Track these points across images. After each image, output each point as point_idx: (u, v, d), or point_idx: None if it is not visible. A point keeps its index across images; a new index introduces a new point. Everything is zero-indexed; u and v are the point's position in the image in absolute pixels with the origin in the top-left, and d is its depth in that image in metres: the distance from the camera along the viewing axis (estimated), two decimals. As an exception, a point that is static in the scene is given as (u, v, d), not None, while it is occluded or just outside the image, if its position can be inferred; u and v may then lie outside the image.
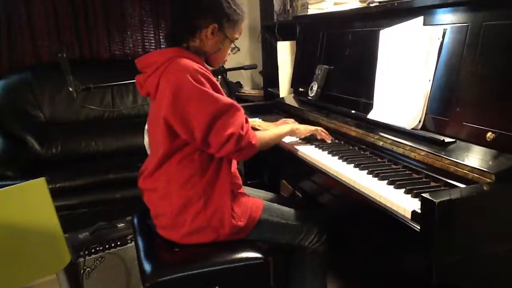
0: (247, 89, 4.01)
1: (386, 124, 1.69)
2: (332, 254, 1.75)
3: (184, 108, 1.46)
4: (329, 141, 1.90)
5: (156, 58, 1.53)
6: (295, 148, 1.87)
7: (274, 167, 2.83)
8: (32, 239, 1.53)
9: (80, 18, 3.58)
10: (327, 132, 1.93)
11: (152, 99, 1.58)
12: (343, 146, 1.85)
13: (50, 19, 3.48)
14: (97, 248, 2.23)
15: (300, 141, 1.96)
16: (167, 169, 1.57)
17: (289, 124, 1.93)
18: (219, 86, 1.54)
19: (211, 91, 1.47)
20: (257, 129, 2.03)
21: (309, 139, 1.94)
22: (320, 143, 1.88)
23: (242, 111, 1.55)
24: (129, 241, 2.29)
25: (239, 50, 1.72)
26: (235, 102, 1.53)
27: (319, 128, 1.93)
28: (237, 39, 1.67)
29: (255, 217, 1.63)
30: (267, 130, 1.80)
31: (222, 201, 1.56)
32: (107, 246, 2.25)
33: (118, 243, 2.28)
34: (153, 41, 3.88)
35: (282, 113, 2.46)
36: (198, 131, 1.47)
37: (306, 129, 1.91)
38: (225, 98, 1.50)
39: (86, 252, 2.20)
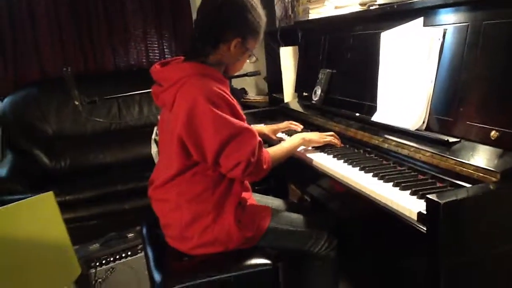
0: (252, 95, 4.02)
1: (390, 126, 1.69)
2: (342, 258, 1.75)
3: (198, 130, 1.45)
4: (341, 145, 1.89)
5: (174, 73, 1.52)
6: (301, 153, 1.87)
7: (281, 172, 2.84)
8: (42, 253, 1.55)
9: (83, 32, 3.63)
10: (338, 138, 1.92)
11: (167, 110, 1.56)
12: (348, 150, 1.85)
13: (54, 35, 3.54)
14: (108, 259, 2.25)
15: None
16: (180, 182, 1.57)
17: (300, 135, 1.87)
18: (236, 105, 1.52)
19: (225, 115, 1.45)
20: (265, 135, 2.04)
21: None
22: (325, 147, 1.88)
23: (256, 136, 1.53)
24: (139, 251, 2.31)
25: (257, 59, 1.70)
26: (249, 127, 1.52)
27: (331, 136, 1.89)
28: (255, 48, 1.66)
29: (264, 226, 1.63)
30: (278, 146, 1.76)
31: (230, 216, 1.57)
32: (117, 257, 2.27)
33: (129, 253, 2.30)
34: (157, 51, 3.92)
35: (287, 118, 2.46)
36: (209, 154, 1.47)
37: (319, 139, 1.87)
38: (239, 122, 1.48)
39: (97, 264, 2.22)
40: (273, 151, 1.67)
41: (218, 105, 1.45)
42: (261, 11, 1.60)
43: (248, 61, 1.69)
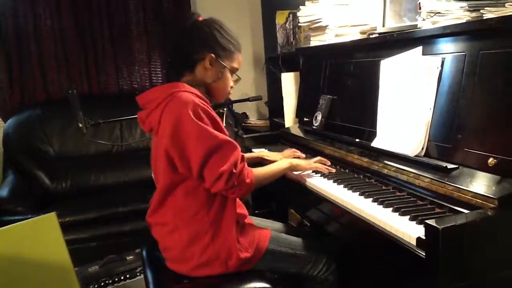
0: (253, 120, 4.06)
1: (390, 151, 1.71)
2: (340, 282, 1.75)
3: (183, 143, 1.48)
4: (334, 171, 1.91)
5: (157, 94, 1.57)
6: (301, 178, 1.89)
7: (281, 196, 2.85)
8: (42, 273, 1.55)
9: (89, 55, 3.68)
10: (328, 164, 1.94)
11: (154, 134, 1.61)
12: (348, 175, 1.87)
13: (60, 57, 3.59)
14: (107, 281, 2.24)
15: (306, 170, 1.97)
16: (173, 203, 1.59)
17: (288, 160, 1.91)
18: (219, 120, 1.55)
19: (208, 127, 1.49)
20: (265, 160, 2.06)
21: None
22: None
23: (238, 149, 1.56)
24: (138, 274, 2.30)
25: (240, 79, 1.74)
26: (232, 140, 1.55)
27: (319, 165, 1.91)
28: (237, 69, 1.70)
29: (262, 247, 1.64)
30: (265, 167, 1.78)
31: (228, 233, 1.58)
32: (116, 279, 2.26)
33: (127, 276, 2.29)
34: (160, 75, 3.97)
35: (288, 143, 2.49)
36: (194, 166, 1.49)
37: (307, 165, 1.89)
38: (221, 135, 1.51)
39: (96, 286, 2.21)
40: (257, 170, 1.67)
41: (201, 118, 1.49)
42: (231, 33, 1.67)
43: (233, 84, 1.72)
